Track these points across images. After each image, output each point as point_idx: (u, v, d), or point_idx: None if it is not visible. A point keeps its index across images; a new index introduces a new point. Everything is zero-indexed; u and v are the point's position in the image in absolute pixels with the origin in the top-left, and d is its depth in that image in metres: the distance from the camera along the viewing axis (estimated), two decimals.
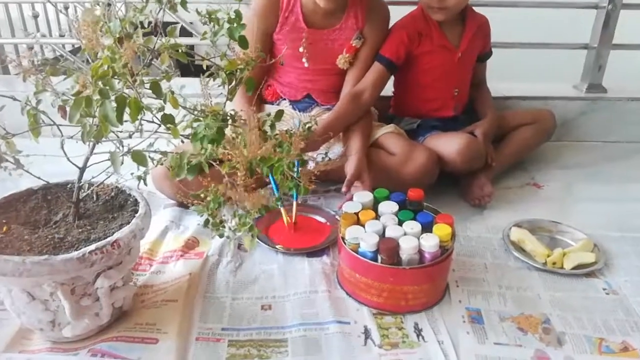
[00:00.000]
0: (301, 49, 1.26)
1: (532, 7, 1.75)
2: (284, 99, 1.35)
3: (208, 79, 0.80)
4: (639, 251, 1.08)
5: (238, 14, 0.77)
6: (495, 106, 1.42)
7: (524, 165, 1.46)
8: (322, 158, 1.19)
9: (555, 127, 1.45)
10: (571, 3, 1.67)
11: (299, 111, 1.33)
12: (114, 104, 0.56)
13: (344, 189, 1.13)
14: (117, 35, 0.60)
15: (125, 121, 0.63)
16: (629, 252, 1.08)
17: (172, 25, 0.67)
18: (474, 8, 1.34)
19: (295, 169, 0.87)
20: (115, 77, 0.57)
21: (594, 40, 1.62)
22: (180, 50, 0.67)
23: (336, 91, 1.32)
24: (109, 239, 0.75)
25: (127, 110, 0.59)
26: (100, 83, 0.55)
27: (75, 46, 2.32)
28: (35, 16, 2.11)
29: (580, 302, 0.93)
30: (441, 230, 0.90)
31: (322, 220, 1.16)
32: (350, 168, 1.14)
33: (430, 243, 0.87)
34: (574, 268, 1.01)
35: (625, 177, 1.42)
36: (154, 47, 0.63)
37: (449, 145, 1.22)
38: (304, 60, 1.27)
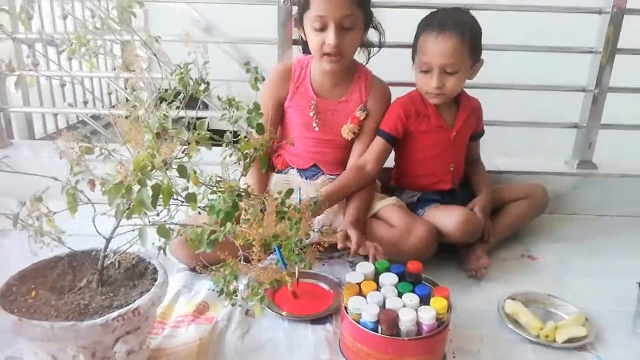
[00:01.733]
0: (311, 114, 1.38)
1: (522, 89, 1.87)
2: (292, 168, 1.45)
3: (227, 155, 0.90)
4: (629, 325, 1.12)
5: (257, 106, 0.87)
6: (490, 180, 1.51)
7: (520, 238, 1.53)
8: (326, 229, 1.26)
9: (548, 201, 1.54)
10: (560, 87, 1.79)
11: (306, 179, 1.43)
12: (150, 192, 0.65)
13: (339, 245, 1.20)
14: (156, 131, 0.69)
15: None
16: (621, 326, 1.13)
17: (201, 120, 0.78)
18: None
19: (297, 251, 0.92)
20: (153, 169, 0.66)
21: (582, 119, 1.73)
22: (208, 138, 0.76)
23: (342, 163, 1.43)
24: (130, 306, 0.81)
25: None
26: (139, 174, 0.64)
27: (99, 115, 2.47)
28: (62, 85, 2.26)
29: None
30: (438, 303, 0.95)
31: (326, 287, 1.22)
32: (352, 237, 1.19)
33: (427, 315, 0.92)
34: (566, 341, 1.06)
35: (617, 251, 1.48)
36: (187, 140, 0.73)
37: (449, 218, 1.30)
38: (314, 124, 1.39)
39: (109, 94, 2.77)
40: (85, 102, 2.55)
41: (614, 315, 1.16)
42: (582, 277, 1.33)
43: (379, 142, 1.39)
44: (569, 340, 1.06)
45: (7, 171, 0.73)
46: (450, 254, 1.36)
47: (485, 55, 1.43)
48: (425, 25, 1.34)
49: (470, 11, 1.37)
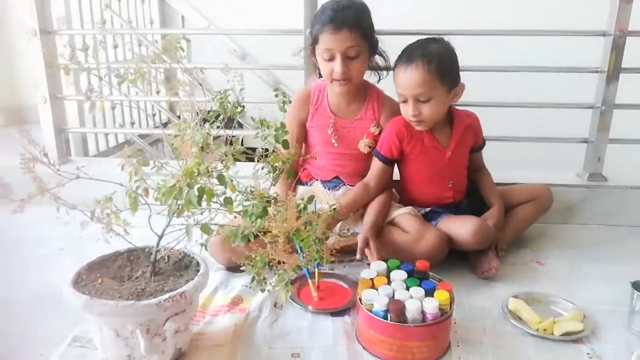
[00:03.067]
0: (329, 131, 1.55)
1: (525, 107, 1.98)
2: (317, 180, 1.61)
3: (259, 168, 1.07)
4: (625, 323, 1.22)
5: (283, 125, 1.04)
6: (500, 188, 1.62)
7: (530, 245, 1.64)
8: (344, 232, 1.42)
9: (552, 201, 1.63)
10: (569, 104, 1.90)
11: (328, 189, 1.59)
12: (196, 193, 0.82)
13: (357, 256, 1.38)
14: (200, 145, 0.87)
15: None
16: (616, 324, 1.22)
17: (236, 137, 0.95)
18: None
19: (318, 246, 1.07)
20: (199, 175, 0.83)
21: (591, 134, 1.83)
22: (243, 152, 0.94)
23: (361, 174, 1.58)
24: (178, 290, 0.98)
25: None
26: (188, 178, 0.81)
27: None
28: (113, 108, 2.51)
29: None
30: (441, 295, 1.09)
31: (346, 285, 1.36)
32: (359, 239, 1.38)
33: (430, 305, 1.06)
34: (563, 335, 1.16)
35: (622, 258, 1.56)
36: (225, 153, 0.90)
37: (463, 228, 1.41)
38: (333, 141, 1.55)
39: (153, 115, 3.02)
40: (132, 123, 2.80)
41: (611, 314, 1.25)
42: (584, 281, 1.43)
43: (376, 162, 1.52)
44: (566, 334, 1.16)
45: (86, 177, 0.91)
46: (460, 259, 1.48)
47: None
48: (397, 60, 1.44)
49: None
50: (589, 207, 1.80)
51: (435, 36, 1.46)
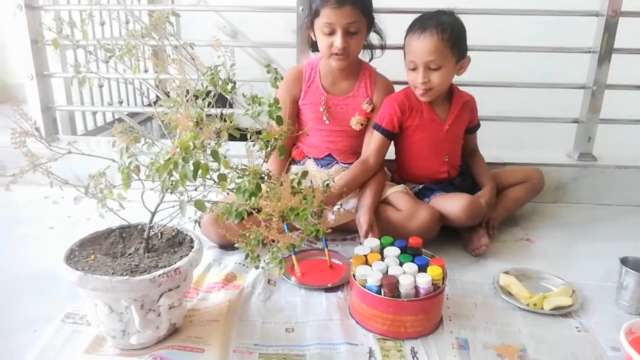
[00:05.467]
0: (321, 109, 1.54)
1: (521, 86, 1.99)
2: (309, 158, 1.61)
3: (251, 144, 1.06)
4: (612, 298, 1.24)
5: (277, 100, 1.03)
6: (492, 170, 1.64)
7: (520, 223, 1.66)
8: (338, 209, 1.42)
9: (544, 183, 1.66)
10: (561, 84, 1.90)
11: (321, 167, 1.59)
12: (192, 167, 0.81)
13: (362, 240, 1.36)
14: (195, 120, 0.86)
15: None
16: (604, 298, 1.24)
17: (231, 112, 0.94)
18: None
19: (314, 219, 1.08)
20: (194, 149, 0.82)
21: (582, 115, 1.84)
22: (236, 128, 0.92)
23: (353, 152, 1.58)
24: (172, 266, 0.98)
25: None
26: (184, 152, 0.80)
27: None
28: (101, 86, 2.47)
29: (555, 337, 1.10)
30: (434, 270, 1.10)
31: (339, 262, 1.37)
32: (363, 223, 1.38)
33: (423, 280, 1.07)
34: (553, 309, 1.18)
35: (611, 235, 1.59)
36: (219, 128, 0.89)
37: (455, 204, 1.43)
38: (324, 118, 1.54)
39: (142, 94, 2.98)
40: (120, 102, 2.76)
41: (599, 289, 1.27)
42: (574, 258, 1.45)
43: (377, 137, 1.53)
44: (556, 309, 1.18)
45: (79, 153, 0.89)
46: (452, 237, 1.49)
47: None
48: (409, 28, 1.48)
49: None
50: (578, 186, 1.82)
51: (444, 9, 1.49)
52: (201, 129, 0.95)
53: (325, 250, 1.36)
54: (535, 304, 1.19)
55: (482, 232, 1.46)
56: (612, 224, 1.68)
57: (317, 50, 1.54)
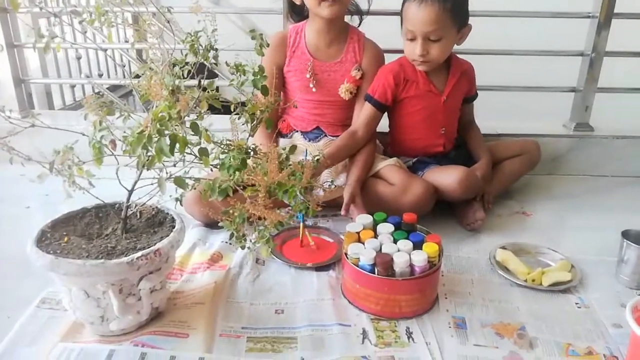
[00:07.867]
0: (308, 75, 1.46)
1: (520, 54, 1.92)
2: (297, 131, 1.53)
3: (235, 117, 0.98)
4: (612, 273, 1.20)
5: (261, 69, 0.95)
6: (487, 142, 1.58)
7: (516, 196, 1.61)
8: (329, 185, 1.35)
9: (540, 156, 1.60)
10: (559, 51, 1.83)
11: (309, 140, 1.51)
12: (168, 141, 0.74)
13: (342, 212, 1.31)
14: (171, 88, 0.78)
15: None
16: (604, 273, 1.21)
17: (210, 80, 0.86)
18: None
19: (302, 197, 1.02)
20: (170, 120, 0.75)
21: (580, 83, 1.78)
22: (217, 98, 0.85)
23: (342, 124, 1.51)
24: (152, 247, 0.91)
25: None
26: (158, 124, 0.73)
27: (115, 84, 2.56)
28: (79, 58, 2.35)
29: (554, 314, 1.06)
30: (429, 247, 1.04)
31: (330, 240, 1.32)
32: (345, 194, 1.32)
33: (419, 258, 1.02)
34: (552, 285, 1.15)
35: (609, 207, 1.55)
36: (198, 97, 0.81)
37: (449, 177, 1.37)
38: (311, 85, 1.46)
39: (123, 66, 2.87)
40: (100, 75, 2.64)
41: (599, 264, 1.23)
42: (571, 231, 1.41)
43: (368, 108, 1.45)
44: (554, 284, 1.15)
45: (44, 126, 0.82)
46: (446, 212, 1.44)
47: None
48: None
49: None
50: (575, 157, 1.78)
51: None
52: (177, 100, 0.87)
53: (301, 224, 1.28)
54: (533, 280, 1.15)
55: (478, 207, 1.41)
56: (609, 195, 1.64)
57: (298, 17, 1.45)
